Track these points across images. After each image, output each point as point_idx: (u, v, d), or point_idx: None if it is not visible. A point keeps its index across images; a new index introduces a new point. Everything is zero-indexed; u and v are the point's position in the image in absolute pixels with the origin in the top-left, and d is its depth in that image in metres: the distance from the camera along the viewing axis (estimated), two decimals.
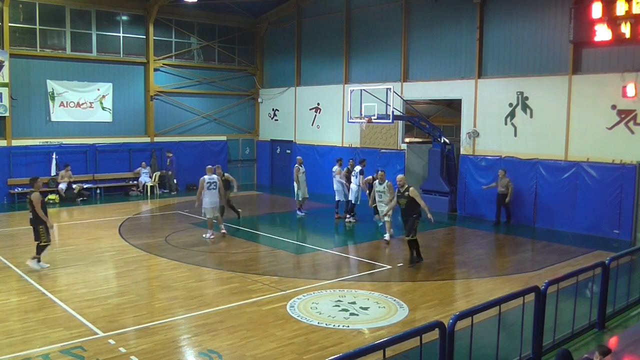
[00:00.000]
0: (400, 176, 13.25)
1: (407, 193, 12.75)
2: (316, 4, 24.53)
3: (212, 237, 15.26)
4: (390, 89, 18.75)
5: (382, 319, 9.38)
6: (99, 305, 9.93)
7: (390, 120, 18.93)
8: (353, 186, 17.81)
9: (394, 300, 10.30)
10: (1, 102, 20.65)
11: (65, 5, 22.05)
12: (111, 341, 8.35)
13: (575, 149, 16.69)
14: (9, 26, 20.79)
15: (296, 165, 19.19)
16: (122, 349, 8.07)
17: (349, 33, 23.22)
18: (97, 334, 8.64)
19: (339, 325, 9.01)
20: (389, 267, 12.62)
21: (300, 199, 18.98)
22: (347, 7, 23.16)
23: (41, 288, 10.88)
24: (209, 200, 15.24)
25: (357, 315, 9.52)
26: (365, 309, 9.82)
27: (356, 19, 23.03)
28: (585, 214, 16.41)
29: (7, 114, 20.83)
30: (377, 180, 15.07)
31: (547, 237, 16.20)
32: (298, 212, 19.01)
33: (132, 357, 7.83)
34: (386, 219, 14.70)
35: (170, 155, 23.97)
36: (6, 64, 20.62)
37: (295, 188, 18.93)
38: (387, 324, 9.15)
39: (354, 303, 10.09)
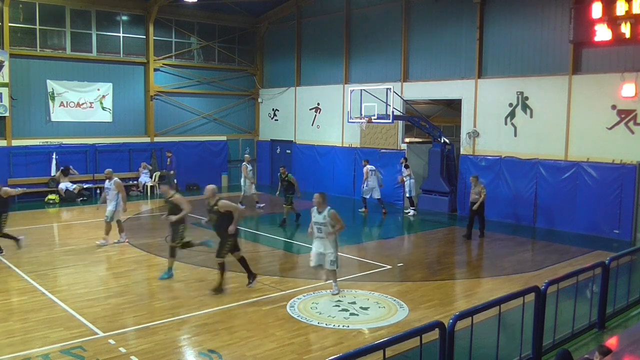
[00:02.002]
0: (210, 187, 10.90)
1: (216, 207, 10.68)
2: (316, 4, 24.54)
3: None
4: (390, 89, 18.76)
5: (382, 319, 9.38)
6: (99, 305, 9.93)
7: (390, 120, 18.94)
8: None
9: (394, 300, 10.30)
10: (1, 102, 20.66)
11: (65, 5, 22.05)
12: (111, 341, 8.35)
13: (575, 149, 16.69)
14: (9, 26, 20.80)
15: (244, 163, 20.60)
16: (122, 349, 8.07)
17: (349, 33, 23.22)
18: (97, 334, 8.64)
19: (338, 326, 9.01)
20: (389, 267, 12.62)
21: (247, 194, 20.46)
22: (347, 7, 23.17)
23: (41, 288, 10.88)
24: None
25: (357, 315, 9.52)
26: (365, 309, 9.82)
27: (356, 19, 23.04)
28: (585, 214, 16.41)
29: (7, 114, 20.84)
30: (314, 209, 10.56)
31: (547, 237, 16.21)
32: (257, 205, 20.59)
33: (132, 357, 7.83)
34: (329, 267, 10.54)
35: (170, 155, 23.96)
36: (6, 64, 20.63)
37: (242, 185, 20.51)
38: (387, 324, 9.16)
39: (354, 303, 10.09)
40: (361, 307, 9.88)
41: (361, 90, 19.15)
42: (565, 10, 16.69)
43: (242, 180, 20.58)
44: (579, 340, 7.89)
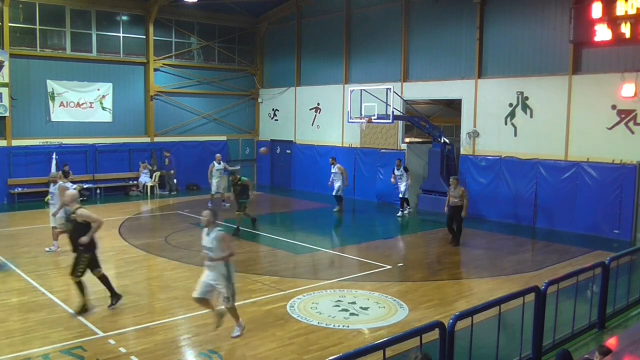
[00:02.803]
0: (70, 192, 10.02)
1: (73, 215, 9.58)
2: (316, 4, 24.54)
3: None
4: (390, 89, 18.76)
5: (382, 319, 9.38)
6: (99, 305, 9.91)
7: (390, 120, 18.94)
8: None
9: (394, 300, 10.30)
10: (1, 102, 20.65)
11: (65, 5, 22.05)
12: (111, 341, 8.35)
13: (575, 149, 16.69)
14: (9, 26, 20.79)
15: (213, 162, 20.85)
16: (122, 349, 8.07)
17: (349, 33, 23.22)
18: (97, 334, 8.64)
19: (339, 326, 9.02)
20: (389, 267, 12.62)
21: (212, 193, 20.80)
22: (347, 7, 23.17)
23: (41, 288, 10.88)
24: None
25: (357, 315, 9.53)
26: (365, 309, 9.82)
27: (356, 19, 23.04)
28: (585, 214, 16.41)
29: (7, 114, 20.83)
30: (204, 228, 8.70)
31: (547, 237, 16.21)
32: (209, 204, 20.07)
33: (132, 357, 7.83)
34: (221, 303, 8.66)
35: (168, 154, 23.95)
36: (6, 64, 20.62)
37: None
38: (387, 324, 9.16)
39: (354, 303, 10.09)
40: (361, 307, 9.88)
41: (361, 90, 19.15)
42: (565, 10, 16.70)
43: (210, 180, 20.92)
44: (579, 340, 7.90)
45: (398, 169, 19.12)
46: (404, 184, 19.11)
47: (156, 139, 24.54)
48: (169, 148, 24.35)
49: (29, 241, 15.05)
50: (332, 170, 19.80)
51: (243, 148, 27.50)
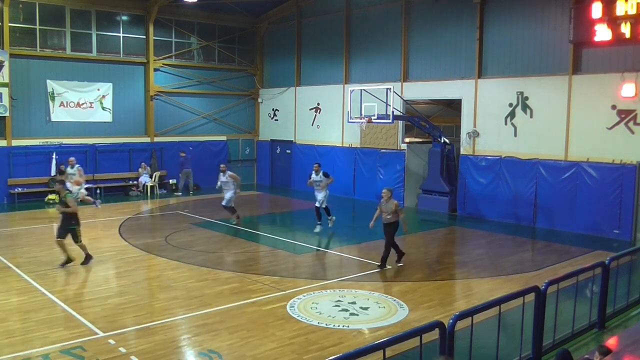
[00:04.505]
0: None
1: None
2: (316, 4, 24.54)
3: None
4: (390, 89, 18.75)
5: (382, 319, 9.38)
6: (99, 305, 9.93)
7: (390, 120, 18.94)
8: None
9: (394, 300, 10.30)
10: (1, 102, 20.65)
11: (65, 5, 22.05)
12: (111, 341, 8.35)
13: (575, 149, 16.69)
14: (9, 26, 20.79)
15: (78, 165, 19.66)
16: (122, 349, 8.07)
17: (349, 33, 23.23)
18: (97, 334, 8.64)
19: (339, 326, 9.02)
20: (389, 267, 12.61)
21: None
22: (347, 7, 23.17)
23: (41, 288, 10.88)
24: None
25: (357, 315, 9.53)
26: (365, 309, 9.82)
27: (356, 19, 23.04)
28: (585, 214, 16.41)
29: (7, 114, 20.83)
30: None
31: (547, 237, 16.21)
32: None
33: (132, 357, 7.83)
34: None
35: (184, 155, 23.89)
36: (6, 64, 20.62)
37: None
38: (387, 324, 9.16)
39: (354, 303, 10.09)
40: (361, 307, 9.88)
41: (361, 90, 19.15)
42: (565, 10, 16.70)
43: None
44: (579, 340, 7.90)
45: (317, 174, 16.44)
46: (323, 192, 16.31)
47: (156, 139, 24.53)
48: (171, 148, 24.33)
49: (29, 241, 15.04)
50: (222, 179, 17.24)
51: (243, 148, 27.51)
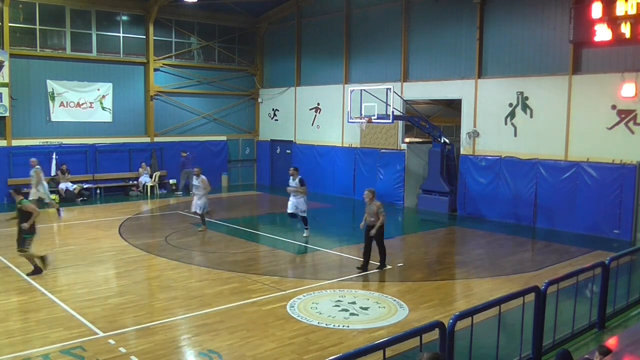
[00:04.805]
0: None
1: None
2: (316, 4, 24.53)
3: None
4: (390, 89, 18.75)
5: (382, 319, 9.38)
6: (99, 305, 9.93)
7: (390, 120, 18.94)
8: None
9: (394, 300, 10.31)
10: (1, 102, 20.65)
11: (65, 5, 22.04)
12: (111, 341, 8.36)
13: (575, 149, 16.70)
14: (9, 26, 20.79)
15: (38, 167, 18.43)
16: (122, 349, 8.07)
17: (349, 33, 23.23)
18: (97, 334, 8.64)
19: (339, 326, 9.02)
20: (389, 267, 12.60)
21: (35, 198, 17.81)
22: (347, 7, 23.17)
23: (41, 288, 10.88)
24: None
25: (357, 315, 9.53)
26: (365, 309, 9.82)
27: (356, 19, 23.04)
28: (585, 214, 16.42)
29: (7, 114, 20.83)
30: None
31: (547, 237, 16.21)
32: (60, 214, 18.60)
33: (132, 357, 7.83)
34: None
35: (186, 154, 23.86)
36: (6, 64, 20.62)
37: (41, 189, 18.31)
38: (387, 324, 9.16)
39: (354, 303, 10.09)
40: (361, 307, 9.88)
41: (361, 90, 19.15)
42: (565, 10, 16.70)
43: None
44: (579, 340, 7.90)
45: (293, 180, 15.53)
46: (303, 199, 15.46)
47: (156, 139, 24.53)
48: (172, 148, 24.32)
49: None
50: (194, 182, 16.54)
51: (243, 148, 27.50)
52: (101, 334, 8.61)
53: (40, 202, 17.76)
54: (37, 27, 21.63)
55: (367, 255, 12.27)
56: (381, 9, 22.03)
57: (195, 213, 16.72)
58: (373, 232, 12.03)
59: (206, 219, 16.60)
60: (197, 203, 16.32)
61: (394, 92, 19.04)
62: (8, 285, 11.15)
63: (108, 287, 11.31)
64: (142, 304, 10.19)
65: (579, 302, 7.97)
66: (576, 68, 16.65)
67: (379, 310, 9.78)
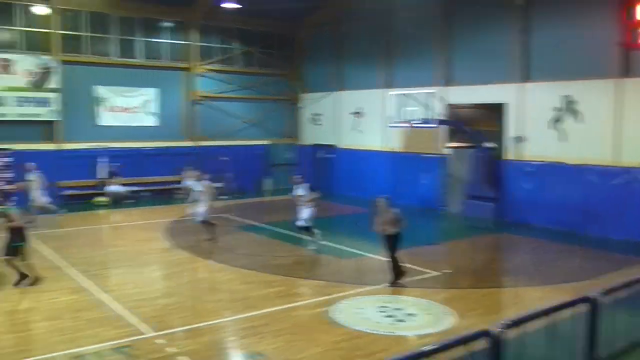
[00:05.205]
0: None
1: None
2: (356, 8, 24.42)
3: None
4: (433, 93, 18.58)
5: (429, 326, 9.28)
6: (148, 306, 10.12)
7: (432, 125, 18.76)
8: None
9: (441, 307, 10.18)
10: (53, 107, 21.36)
11: (111, 13, 22.70)
12: (160, 341, 8.49)
13: (627, 154, 16.19)
14: (60, 34, 21.56)
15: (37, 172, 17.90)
16: (171, 349, 8.20)
17: (390, 37, 23.06)
18: (146, 333, 8.81)
19: (385, 331, 8.95)
20: (436, 273, 12.46)
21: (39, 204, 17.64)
22: (387, 11, 22.97)
23: (92, 287, 11.15)
24: None
25: (404, 321, 9.45)
26: (412, 315, 9.74)
27: (397, 23, 22.81)
28: (638, 220, 15.87)
29: (57, 119, 21.52)
30: None
31: (596, 244, 15.73)
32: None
33: (180, 357, 7.95)
34: None
35: (226, 159, 24.13)
36: (57, 70, 21.33)
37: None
38: (433, 331, 9.04)
39: (400, 309, 10.01)
40: (407, 314, 9.79)
41: (403, 94, 19.03)
42: (612, 12, 16.24)
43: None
44: (636, 353, 7.65)
45: (301, 187, 14.48)
46: (309, 208, 14.32)
47: (199, 144, 24.89)
48: (214, 152, 24.56)
49: (80, 242, 15.43)
50: (197, 188, 15.82)
51: (284, 152, 27.59)
52: (150, 334, 8.77)
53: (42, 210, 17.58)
54: (86, 34, 22.30)
55: (395, 263, 11.55)
56: (423, 11, 21.76)
57: (202, 222, 15.40)
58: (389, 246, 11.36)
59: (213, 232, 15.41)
60: (200, 211, 15.26)
61: (437, 96, 18.84)
62: (61, 283, 11.44)
63: (156, 287, 11.53)
64: (189, 305, 10.34)
65: (635, 314, 7.73)
66: (626, 71, 16.16)
67: (426, 317, 9.67)
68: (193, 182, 17.14)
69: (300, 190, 14.34)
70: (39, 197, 17.73)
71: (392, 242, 11.43)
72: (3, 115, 20.64)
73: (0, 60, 20.53)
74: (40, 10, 21.39)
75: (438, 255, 14.81)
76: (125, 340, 8.47)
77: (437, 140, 21.27)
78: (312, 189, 14.36)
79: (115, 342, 8.41)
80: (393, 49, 23.05)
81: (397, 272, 11.48)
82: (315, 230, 14.44)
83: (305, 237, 14.52)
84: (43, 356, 7.98)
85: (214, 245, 15.02)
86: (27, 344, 8.50)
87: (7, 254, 11.13)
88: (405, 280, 11.53)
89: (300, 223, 14.37)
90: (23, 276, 11.20)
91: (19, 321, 9.61)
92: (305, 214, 14.28)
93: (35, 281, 11.24)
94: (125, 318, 9.49)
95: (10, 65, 20.70)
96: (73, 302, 10.36)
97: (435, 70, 21.31)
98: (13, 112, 20.83)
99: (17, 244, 11.13)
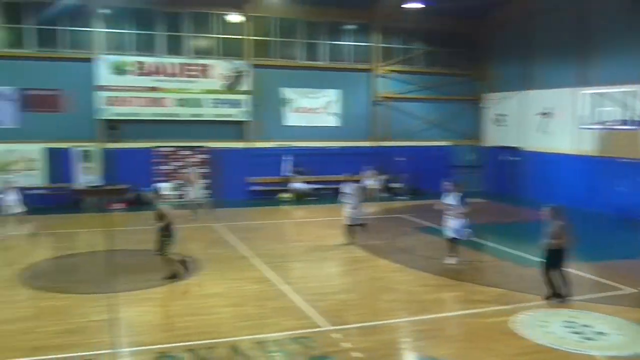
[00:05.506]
0: None
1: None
2: (545, 1, 22.84)
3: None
4: (635, 91, 16.77)
5: (623, 348, 8.37)
6: (326, 300, 10.42)
7: (632, 127, 16.96)
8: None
9: (637, 327, 9.15)
10: (245, 108, 22.99)
11: (298, 18, 23.86)
12: (335, 335, 8.69)
13: None
14: (252, 39, 23.21)
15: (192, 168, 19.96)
16: (345, 344, 8.34)
17: (583, 31, 21.20)
18: (322, 327, 9.07)
19: (571, 349, 8.26)
20: (633, 290, 11.24)
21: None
22: (581, 2, 21.14)
23: (274, 278, 11.77)
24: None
25: (593, 340, 8.64)
26: (602, 334, 8.87)
27: (592, 14, 20.91)
28: None
29: (248, 119, 23.16)
30: None
31: None
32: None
33: (355, 353, 8.05)
34: None
35: (404, 159, 24.24)
36: (249, 73, 22.95)
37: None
38: (629, 353, 8.15)
39: (588, 326, 9.17)
40: (597, 332, 8.94)
41: (598, 93, 17.43)
42: None
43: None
44: None
45: (452, 195, 13.09)
46: (460, 219, 12.85)
47: (380, 144, 25.15)
48: (393, 153, 24.68)
49: (265, 234, 16.44)
50: (347, 191, 15.61)
51: (467, 154, 26.81)
52: (326, 327, 9.01)
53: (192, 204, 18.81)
54: (275, 39, 23.75)
55: (551, 281, 10.45)
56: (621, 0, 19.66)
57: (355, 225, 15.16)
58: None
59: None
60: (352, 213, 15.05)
61: (637, 95, 16.97)
62: (246, 273, 12.26)
63: (334, 283, 11.85)
64: (365, 303, 10.47)
65: None
66: None
67: (619, 338, 8.75)
68: (371, 182, 17.36)
69: (451, 199, 13.09)
70: (196, 192, 19.06)
71: (552, 258, 10.29)
72: (201, 115, 22.73)
73: (200, 65, 22.60)
74: (234, 18, 23.22)
75: (632, 270, 13.30)
76: (303, 332, 8.79)
77: (637, 144, 19.17)
78: (464, 199, 13.01)
79: (294, 332, 8.78)
80: (588, 43, 21.16)
81: (555, 290, 10.37)
82: (468, 231, 13.06)
83: (451, 248, 13.26)
84: (227, 339, 8.54)
85: (391, 245, 15.05)
86: (214, 327, 9.12)
87: (160, 250, 11.53)
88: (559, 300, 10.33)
89: (449, 233, 13.13)
90: (174, 274, 11.53)
91: (206, 304, 10.23)
92: (454, 224, 12.93)
93: (174, 276, 11.48)
94: (304, 310, 9.86)
95: (208, 69, 22.70)
96: (258, 291, 11.02)
97: (637, 66, 19.18)
98: (209, 112, 22.85)
99: (163, 237, 11.45)
